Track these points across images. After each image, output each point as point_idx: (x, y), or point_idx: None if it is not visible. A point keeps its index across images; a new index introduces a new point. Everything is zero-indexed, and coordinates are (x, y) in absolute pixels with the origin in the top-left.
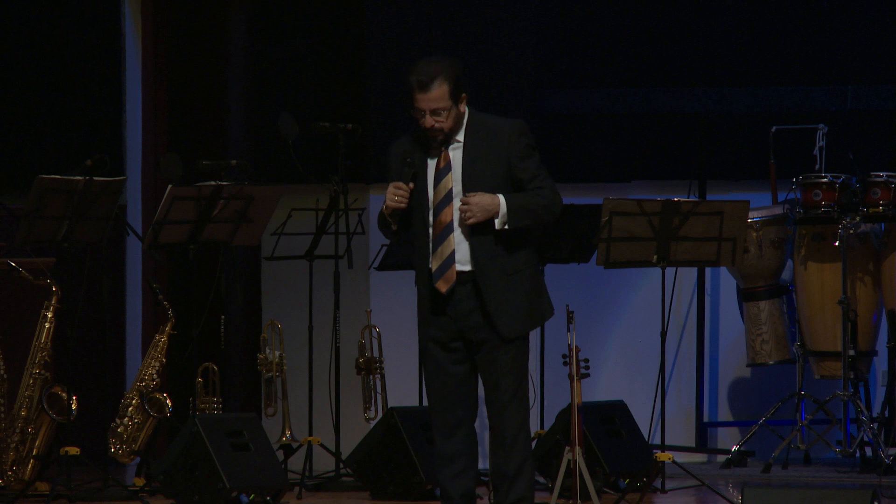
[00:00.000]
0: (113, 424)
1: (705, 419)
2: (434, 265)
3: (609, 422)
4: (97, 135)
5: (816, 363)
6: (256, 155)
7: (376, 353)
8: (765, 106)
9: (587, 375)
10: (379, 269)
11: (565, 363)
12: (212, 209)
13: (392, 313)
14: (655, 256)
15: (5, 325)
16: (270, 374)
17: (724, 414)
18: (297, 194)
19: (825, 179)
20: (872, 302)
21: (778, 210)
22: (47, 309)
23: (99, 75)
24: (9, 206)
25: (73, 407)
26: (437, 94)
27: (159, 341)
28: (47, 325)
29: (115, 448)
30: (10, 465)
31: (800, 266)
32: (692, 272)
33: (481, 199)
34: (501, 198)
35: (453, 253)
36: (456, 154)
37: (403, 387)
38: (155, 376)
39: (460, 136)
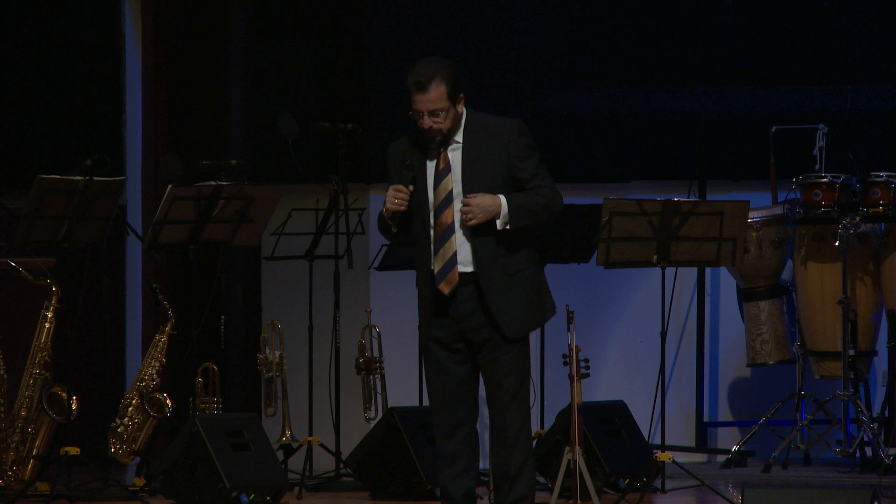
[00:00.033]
0: (113, 424)
1: (705, 419)
2: (436, 267)
3: (609, 422)
4: (97, 135)
5: (816, 363)
6: (256, 155)
7: (376, 353)
8: (765, 106)
9: (587, 375)
10: (379, 269)
11: (565, 363)
12: (212, 209)
13: (392, 313)
14: (655, 256)
15: (5, 325)
16: (270, 374)
17: (724, 414)
18: (297, 194)
19: (825, 179)
20: (872, 302)
21: (778, 210)
22: (47, 309)
23: (99, 75)
24: (9, 206)
25: (73, 407)
26: (434, 95)
27: (159, 341)
28: (47, 325)
29: (115, 448)
30: (10, 465)
31: (800, 266)
32: (692, 272)
33: (482, 200)
34: (502, 198)
35: (455, 254)
36: (455, 155)
37: (403, 387)
38: (155, 376)
39: (459, 137)
